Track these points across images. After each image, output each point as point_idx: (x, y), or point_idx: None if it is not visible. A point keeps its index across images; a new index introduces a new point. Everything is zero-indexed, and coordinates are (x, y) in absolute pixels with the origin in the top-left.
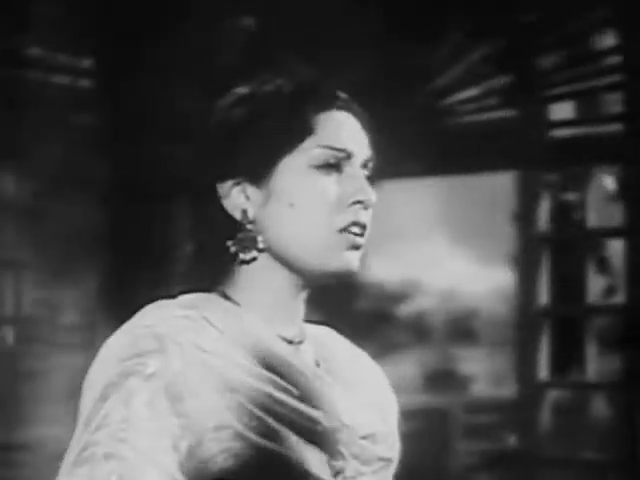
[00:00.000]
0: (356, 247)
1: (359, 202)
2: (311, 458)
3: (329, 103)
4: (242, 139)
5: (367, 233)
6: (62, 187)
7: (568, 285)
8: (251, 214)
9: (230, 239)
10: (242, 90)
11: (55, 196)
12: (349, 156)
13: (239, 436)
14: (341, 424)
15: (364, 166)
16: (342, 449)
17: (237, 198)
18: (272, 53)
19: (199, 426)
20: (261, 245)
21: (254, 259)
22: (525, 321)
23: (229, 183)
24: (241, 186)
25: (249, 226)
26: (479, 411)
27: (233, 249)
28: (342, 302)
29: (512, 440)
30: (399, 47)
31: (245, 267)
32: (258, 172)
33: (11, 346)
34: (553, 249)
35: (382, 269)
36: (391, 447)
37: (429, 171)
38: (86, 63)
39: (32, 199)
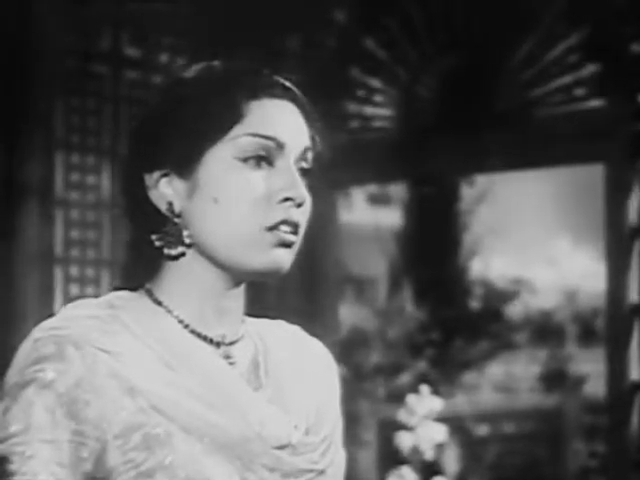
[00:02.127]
0: (286, 244)
1: (289, 199)
2: (216, 469)
3: (263, 90)
4: (169, 126)
5: (301, 231)
6: None
7: None
8: (177, 207)
9: (155, 233)
10: (177, 76)
11: None
12: (280, 146)
13: (142, 445)
14: (254, 434)
15: (301, 159)
16: (254, 460)
17: (163, 190)
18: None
19: (102, 433)
20: (187, 240)
21: (182, 255)
22: (616, 318)
23: (157, 174)
24: (169, 177)
25: (176, 220)
26: (597, 412)
27: (158, 244)
28: (454, 300)
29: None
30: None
31: (172, 264)
32: (184, 162)
33: None
34: None
35: (498, 267)
36: (322, 457)
37: (515, 164)
38: (181, 63)
39: None
